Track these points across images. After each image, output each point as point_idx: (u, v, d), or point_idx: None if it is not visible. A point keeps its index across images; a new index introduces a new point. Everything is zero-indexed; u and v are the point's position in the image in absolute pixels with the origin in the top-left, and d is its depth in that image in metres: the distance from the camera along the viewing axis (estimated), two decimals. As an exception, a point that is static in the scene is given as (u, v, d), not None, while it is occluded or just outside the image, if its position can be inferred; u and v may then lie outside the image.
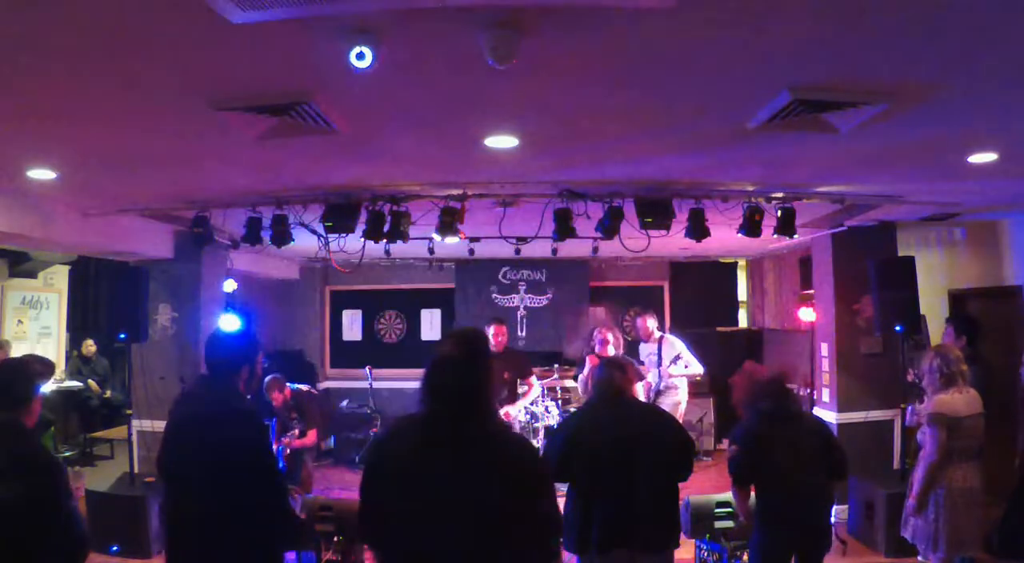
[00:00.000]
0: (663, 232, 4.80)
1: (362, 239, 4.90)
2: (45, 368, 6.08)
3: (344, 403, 8.88)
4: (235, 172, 4.26)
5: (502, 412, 5.86)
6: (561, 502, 2.67)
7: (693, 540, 4.48)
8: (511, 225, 5.17)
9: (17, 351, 7.73)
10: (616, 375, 3.41)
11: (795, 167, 4.30)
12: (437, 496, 2.00)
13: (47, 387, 8.29)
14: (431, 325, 9.76)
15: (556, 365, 8.50)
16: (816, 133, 3.27)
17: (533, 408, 7.27)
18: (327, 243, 5.42)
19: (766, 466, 3.47)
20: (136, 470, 5.72)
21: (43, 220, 4.93)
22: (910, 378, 5.17)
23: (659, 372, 6.69)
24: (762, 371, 3.93)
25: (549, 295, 9.37)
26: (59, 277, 9.42)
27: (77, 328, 9.62)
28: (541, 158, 3.99)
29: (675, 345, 6.80)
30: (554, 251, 7.28)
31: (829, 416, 5.96)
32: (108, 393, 8.80)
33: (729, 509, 4.33)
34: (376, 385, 8.75)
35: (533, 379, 6.58)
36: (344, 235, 5.00)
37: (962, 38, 2.33)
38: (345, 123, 3.17)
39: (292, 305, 9.62)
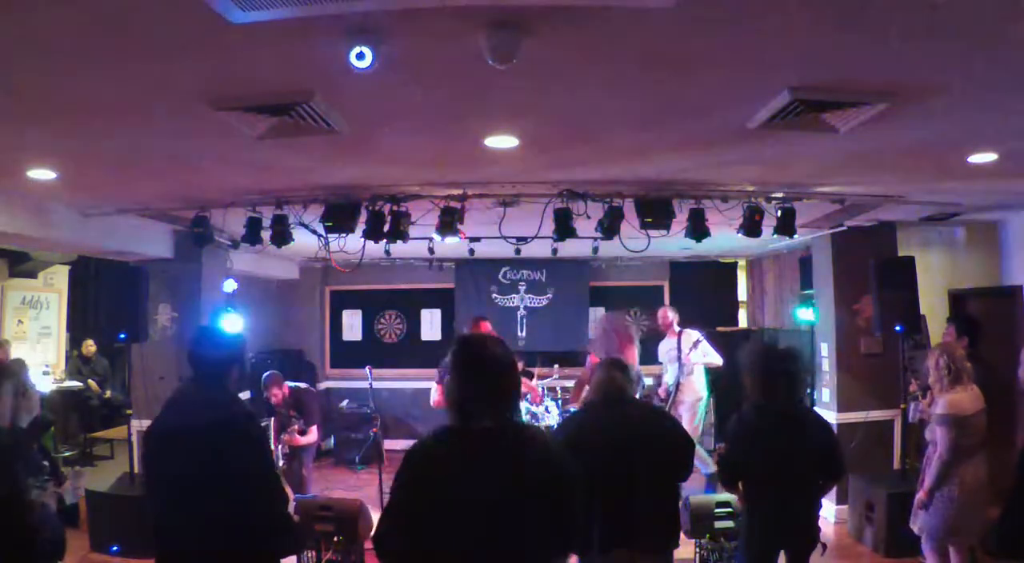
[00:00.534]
0: (663, 232, 4.81)
1: (362, 239, 4.90)
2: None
3: (344, 403, 8.88)
4: (235, 172, 4.26)
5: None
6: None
7: (693, 540, 4.48)
8: (511, 225, 5.17)
9: (17, 351, 7.72)
10: (616, 375, 3.40)
11: (795, 167, 4.30)
12: (482, 499, 2.00)
13: (47, 387, 8.30)
14: (431, 325, 9.74)
15: (556, 365, 8.50)
16: (816, 133, 3.28)
17: (533, 408, 7.27)
18: (327, 243, 5.42)
19: (751, 465, 3.47)
20: (136, 470, 5.71)
21: (43, 220, 4.94)
22: (912, 388, 5.15)
23: (680, 364, 6.69)
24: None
25: (549, 295, 9.36)
26: (59, 277, 9.41)
27: (77, 328, 9.62)
28: (541, 158, 3.99)
29: (693, 334, 6.84)
30: (554, 251, 7.28)
31: (829, 416, 5.96)
32: (108, 393, 8.80)
33: (729, 509, 4.34)
34: (376, 385, 8.66)
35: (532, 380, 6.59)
36: (344, 235, 5.00)
37: (962, 38, 2.33)
38: (345, 123, 3.17)
39: (292, 305, 9.60)
